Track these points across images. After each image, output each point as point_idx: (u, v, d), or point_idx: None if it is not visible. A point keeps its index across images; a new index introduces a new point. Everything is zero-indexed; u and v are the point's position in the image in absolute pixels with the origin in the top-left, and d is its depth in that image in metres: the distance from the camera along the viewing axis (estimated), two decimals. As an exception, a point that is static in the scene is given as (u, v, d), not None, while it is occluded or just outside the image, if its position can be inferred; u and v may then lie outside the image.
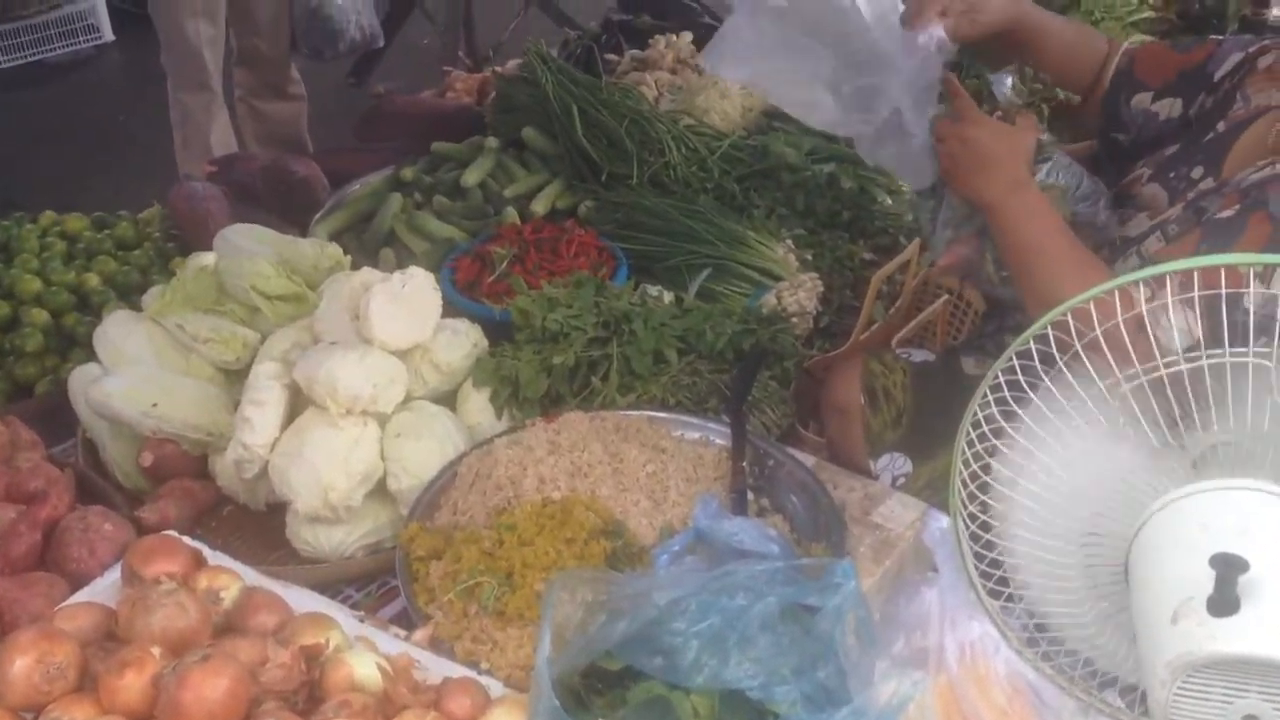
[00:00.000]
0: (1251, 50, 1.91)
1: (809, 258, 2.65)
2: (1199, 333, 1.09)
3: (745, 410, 2.09)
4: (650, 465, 1.93)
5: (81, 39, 5.69)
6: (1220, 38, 1.94)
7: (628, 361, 2.18)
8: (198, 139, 3.71)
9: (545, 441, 1.95)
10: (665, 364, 2.19)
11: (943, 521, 1.38)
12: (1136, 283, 1.07)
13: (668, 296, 2.47)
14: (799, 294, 2.53)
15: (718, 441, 2.03)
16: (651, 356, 2.19)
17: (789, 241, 2.67)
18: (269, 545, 2.07)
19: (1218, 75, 1.92)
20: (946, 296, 2.59)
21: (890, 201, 2.82)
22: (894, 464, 2.10)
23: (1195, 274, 1.06)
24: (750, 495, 1.93)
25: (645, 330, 2.21)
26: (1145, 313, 1.05)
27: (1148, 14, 3.05)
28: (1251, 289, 1.03)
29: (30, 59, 5.55)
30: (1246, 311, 1.09)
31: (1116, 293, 1.07)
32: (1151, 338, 1.06)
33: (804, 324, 2.52)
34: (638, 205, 2.76)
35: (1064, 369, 1.10)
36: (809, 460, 2.05)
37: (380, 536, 2.02)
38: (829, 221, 2.79)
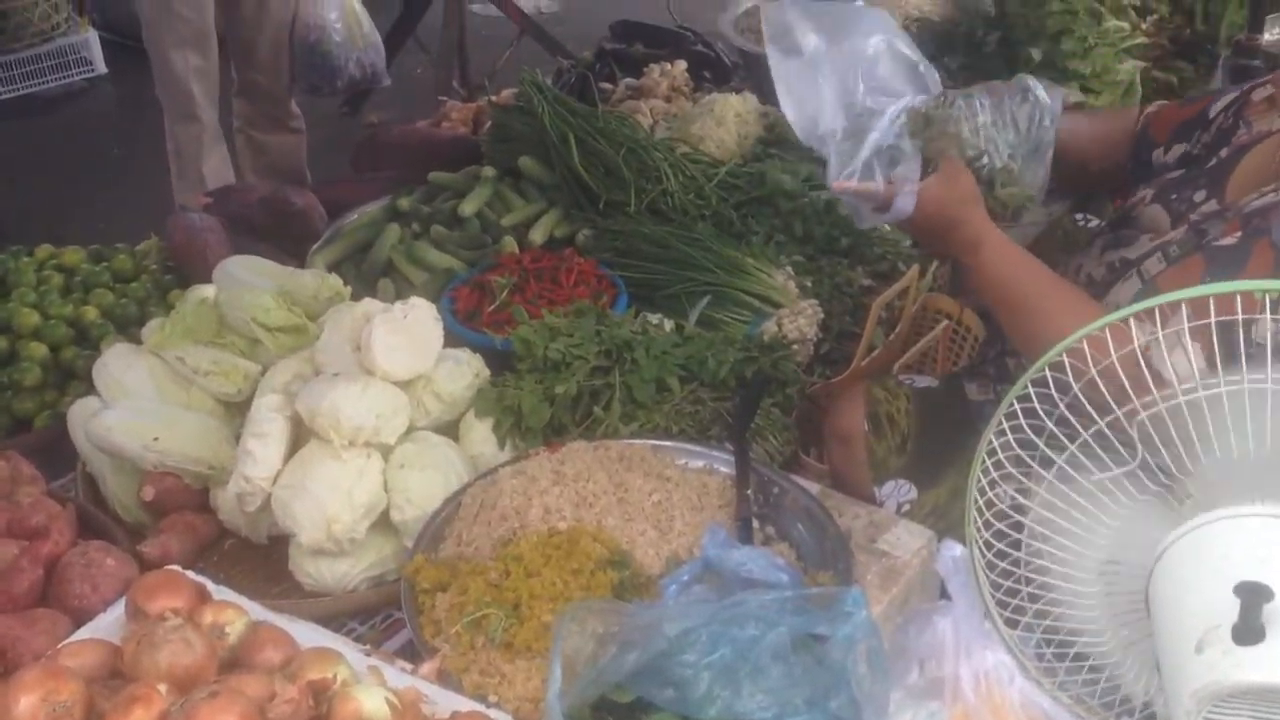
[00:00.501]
0: (1245, 88, 1.96)
1: (808, 284, 2.65)
2: (1201, 362, 1.09)
3: (748, 438, 2.09)
4: (655, 494, 1.93)
5: (74, 72, 5.69)
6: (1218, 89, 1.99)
7: (630, 390, 2.17)
8: (191, 169, 3.71)
9: (549, 471, 1.95)
10: (668, 392, 2.19)
11: (956, 550, 1.37)
12: (1151, 310, 1.07)
13: (668, 324, 2.47)
14: (799, 321, 2.53)
15: (722, 470, 2.03)
16: (654, 385, 2.18)
17: (788, 268, 2.67)
18: (271, 579, 2.05)
19: (1213, 113, 1.97)
20: (946, 322, 2.59)
21: (888, 228, 2.83)
22: (899, 490, 2.10)
23: (1211, 301, 1.06)
24: (755, 523, 1.92)
25: (647, 359, 2.21)
26: (1161, 340, 1.04)
27: (1140, 40, 3.07)
28: (1268, 315, 1.03)
29: (22, 92, 5.54)
30: (1259, 338, 1.09)
31: (1133, 320, 1.07)
32: (1168, 365, 1.06)
33: (805, 351, 2.51)
34: (636, 233, 2.76)
35: (1079, 396, 1.10)
36: (814, 488, 2.04)
37: (384, 569, 2.00)
38: (827, 248, 2.79)
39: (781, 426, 2.24)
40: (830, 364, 2.57)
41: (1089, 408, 1.10)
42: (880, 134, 1.91)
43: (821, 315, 2.56)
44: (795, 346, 2.46)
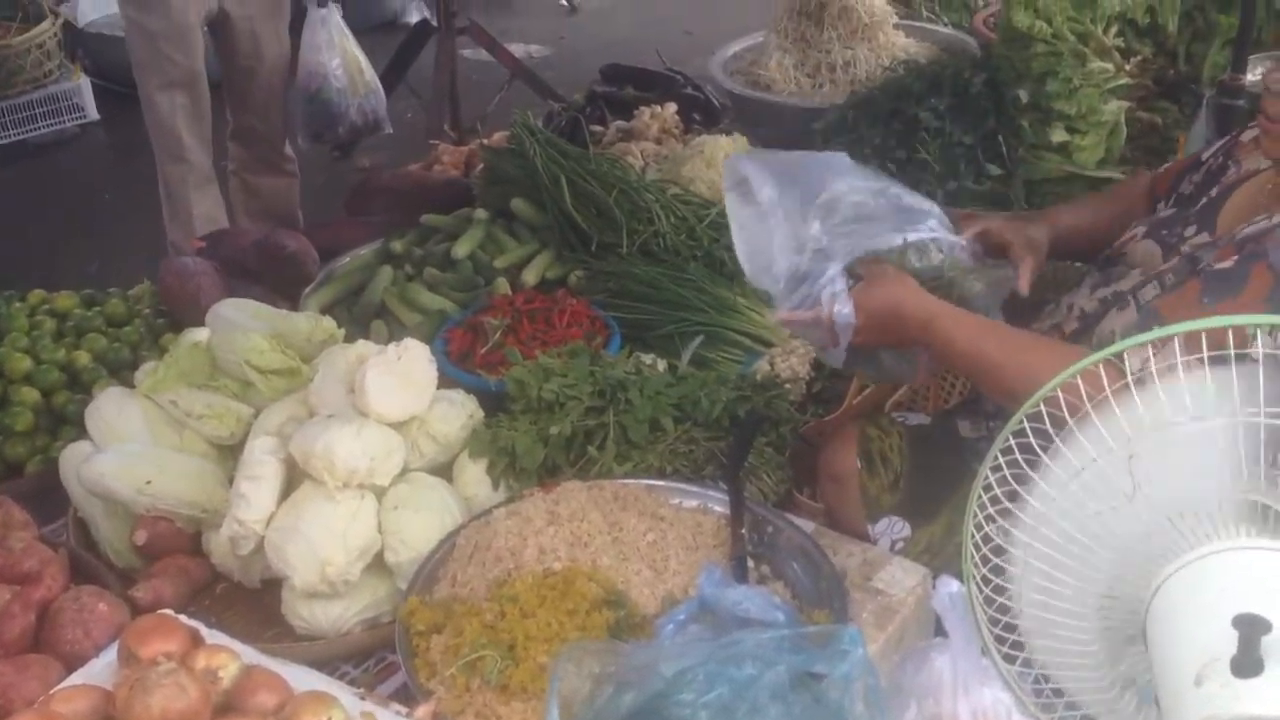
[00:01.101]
0: (1235, 133, 1.99)
1: (800, 323, 2.66)
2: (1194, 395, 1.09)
3: (742, 477, 2.09)
4: (650, 534, 1.92)
5: (67, 118, 5.71)
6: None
7: (624, 430, 2.17)
8: (181, 211, 3.72)
9: (544, 512, 1.94)
10: (662, 432, 2.19)
11: (952, 586, 1.37)
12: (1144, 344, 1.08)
13: (661, 364, 2.47)
14: (791, 359, 2.54)
15: (716, 509, 2.02)
16: (648, 425, 2.19)
17: (779, 308, 2.68)
18: (264, 622, 2.04)
19: (1204, 157, 2.00)
20: (938, 360, 2.60)
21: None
22: (892, 528, 2.10)
23: (1203, 335, 1.07)
24: (750, 562, 1.92)
25: (641, 399, 2.21)
26: (1154, 373, 1.05)
27: (1124, 81, 3.10)
28: (1260, 347, 1.04)
29: (15, 138, 5.56)
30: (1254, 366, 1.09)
31: (1128, 354, 1.08)
32: (1162, 399, 1.07)
33: (797, 390, 2.52)
34: (628, 274, 2.78)
35: (1075, 431, 1.10)
36: (808, 526, 2.04)
37: (378, 611, 1.99)
38: (819, 287, 2.80)
39: (775, 465, 2.24)
40: (823, 402, 2.58)
41: (1084, 442, 1.10)
42: (826, 276, 1.94)
43: (813, 354, 2.57)
44: (788, 385, 2.46)
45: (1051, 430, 1.12)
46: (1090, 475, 1.10)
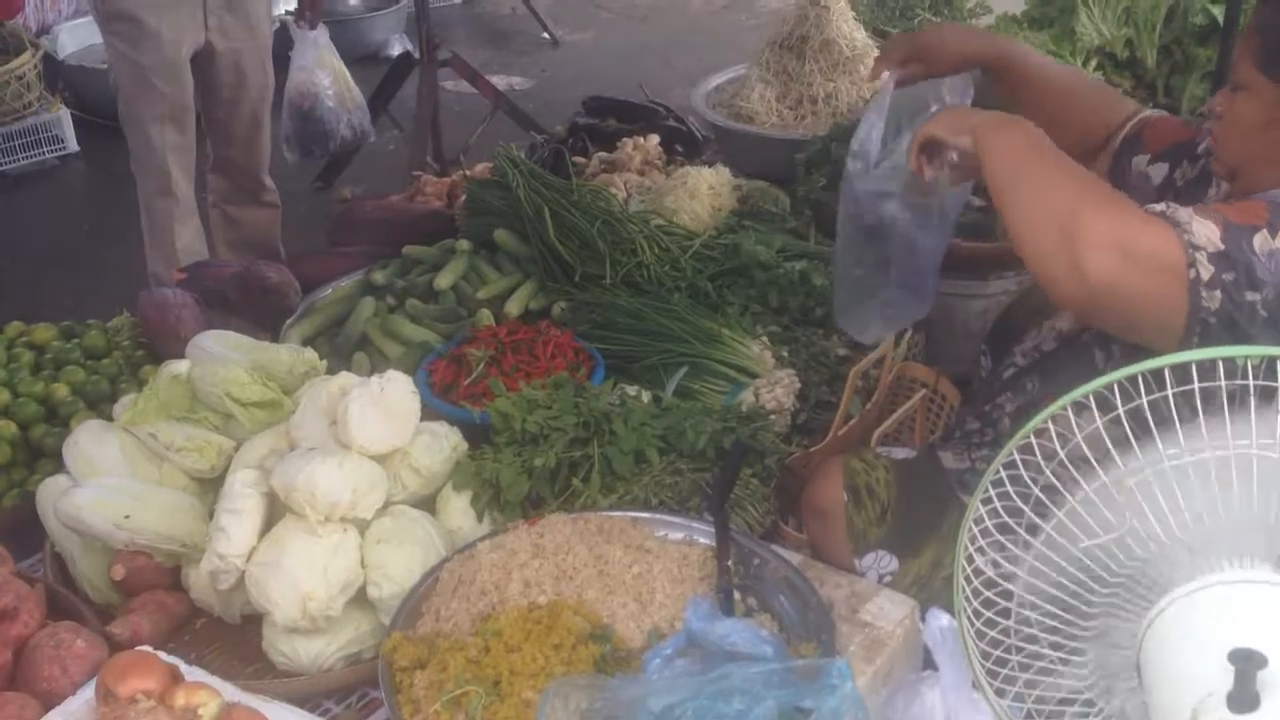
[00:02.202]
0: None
1: (784, 354, 2.66)
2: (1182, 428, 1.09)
3: (728, 509, 2.08)
4: (635, 567, 1.91)
5: (46, 149, 5.69)
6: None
7: (609, 462, 2.16)
8: (165, 243, 3.70)
9: (529, 545, 1.93)
10: (646, 464, 2.18)
11: (943, 619, 1.36)
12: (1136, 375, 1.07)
13: (645, 396, 2.46)
14: (776, 391, 2.53)
15: (702, 541, 2.01)
16: (633, 456, 2.18)
17: (764, 338, 2.68)
18: (244, 659, 2.02)
19: (1200, 148, 1.99)
20: (924, 391, 2.60)
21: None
22: (879, 562, 2.09)
23: (1193, 367, 1.07)
24: (737, 595, 1.90)
25: (626, 430, 2.20)
26: (1145, 405, 1.05)
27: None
28: (1250, 380, 1.04)
29: (-2, 170, 5.54)
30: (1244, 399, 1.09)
31: (1116, 386, 1.07)
32: (1153, 432, 1.06)
33: (782, 421, 2.51)
34: (612, 305, 2.77)
35: (1066, 463, 1.10)
36: (795, 558, 2.03)
37: (360, 646, 1.97)
38: (803, 318, 2.80)
39: (760, 497, 2.23)
40: (808, 433, 2.57)
41: (1075, 474, 1.10)
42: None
43: (799, 385, 2.56)
44: (773, 416, 2.46)
45: (1042, 462, 1.12)
46: (1082, 508, 1.09)
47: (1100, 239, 1.58)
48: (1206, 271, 1.56)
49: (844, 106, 3.77)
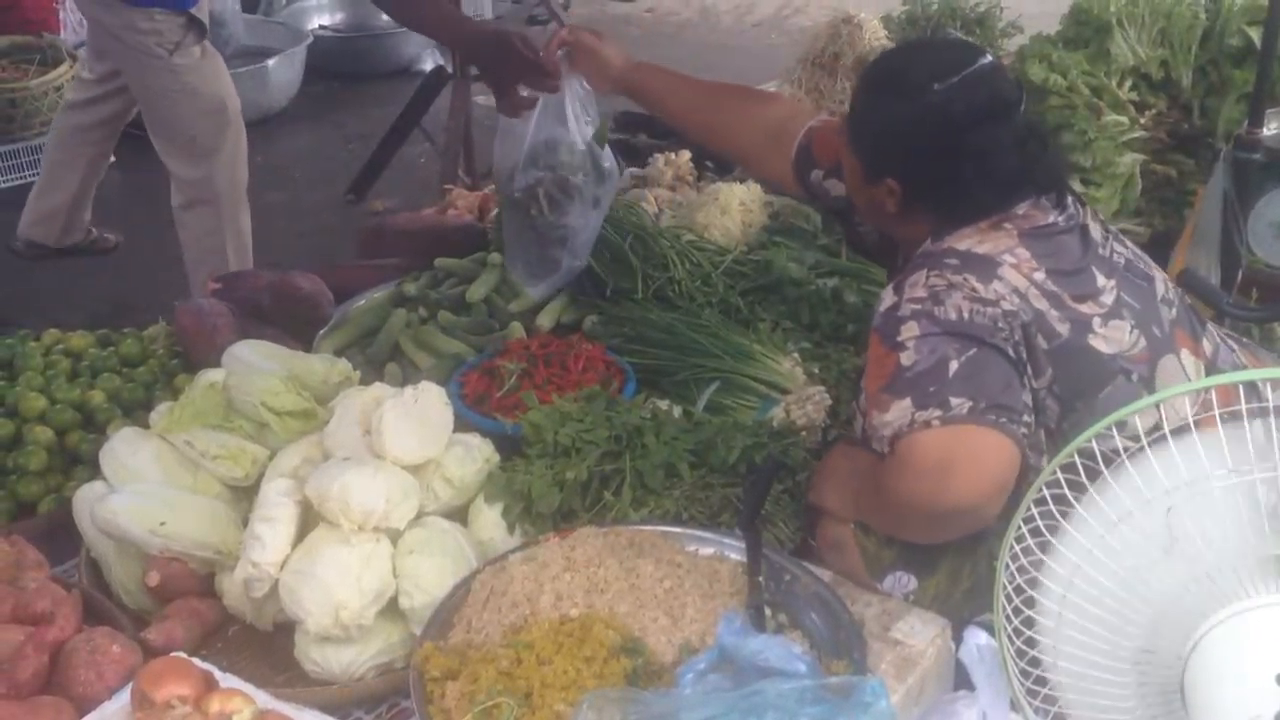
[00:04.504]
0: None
1: (815, 371, 2.66)
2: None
3: (759, 524, 2.07)
4: (667, 581, 1.91)
5: (81, 159, 5.75)
6: None
7: (640, 476, 2.16)
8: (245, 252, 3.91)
9: (560, 557, 1.93)
10: (678, 478, 2.18)
11: (980, 637, 1.35)
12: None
13: (676, 410, 2.46)
14: (807, 407, 2.53)
15: (732, 556, 2.01)
16: (664, 470, 2.18)
17: (795, 355, 2.68)
18: (276, 666, 2.02)
19: None
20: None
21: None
22: (899, 583, 2.07)
23: (1212, 393, 1.06)
24: (767, 611, 1.90)
25: (657, 444, 2.20)
26: (1191, 424, 1.04)
27: (1139, 134, 3.11)
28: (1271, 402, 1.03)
29: (29, 179, 5.60)
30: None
31: (1163, 406, 1.07)
32: (1199, 450, 1.06)
33: (812, 437, 2.51)
34: (644, 320, 2.77)
35: (1111, 482, 1.09)
36: (825, 574, 2.02)
37: (391, 656, 1.98)
38: (834, 335, 2.80)
39: (791, 513, 2.23)
40: (838, 450, 2.56)
41: (1120, 494, 1.09)
42: None
43: (829, 402, 2.56)
44: (804, 433, 2.45)
45: (1086, 481, 1.12)
46: (1126, 528, 1.09)
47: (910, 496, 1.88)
48: (924, 413, 1.82)
49: (875, 124, 3.76)
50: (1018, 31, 4.63)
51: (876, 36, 3.85)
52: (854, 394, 2.65)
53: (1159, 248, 3.10)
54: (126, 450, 2.22)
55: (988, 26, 4.63)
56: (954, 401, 1.79)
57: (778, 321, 2.80)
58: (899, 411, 1.85)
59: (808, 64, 3.89)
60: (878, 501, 1.96)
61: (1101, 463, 1.10)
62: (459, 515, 2.15)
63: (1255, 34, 3.30)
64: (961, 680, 1.84)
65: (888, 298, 1.99)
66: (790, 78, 3.91)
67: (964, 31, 4.56)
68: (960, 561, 2.00)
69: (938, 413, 1.79)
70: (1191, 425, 1.05)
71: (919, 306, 1.91)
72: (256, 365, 2.33)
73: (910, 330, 1.89)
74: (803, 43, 4.05)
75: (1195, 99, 3.32)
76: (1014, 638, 1.20)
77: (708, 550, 2.02)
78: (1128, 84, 3.23)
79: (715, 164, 4.12)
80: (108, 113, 4.62)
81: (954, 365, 1.83)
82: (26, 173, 5.61)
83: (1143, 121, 3.18)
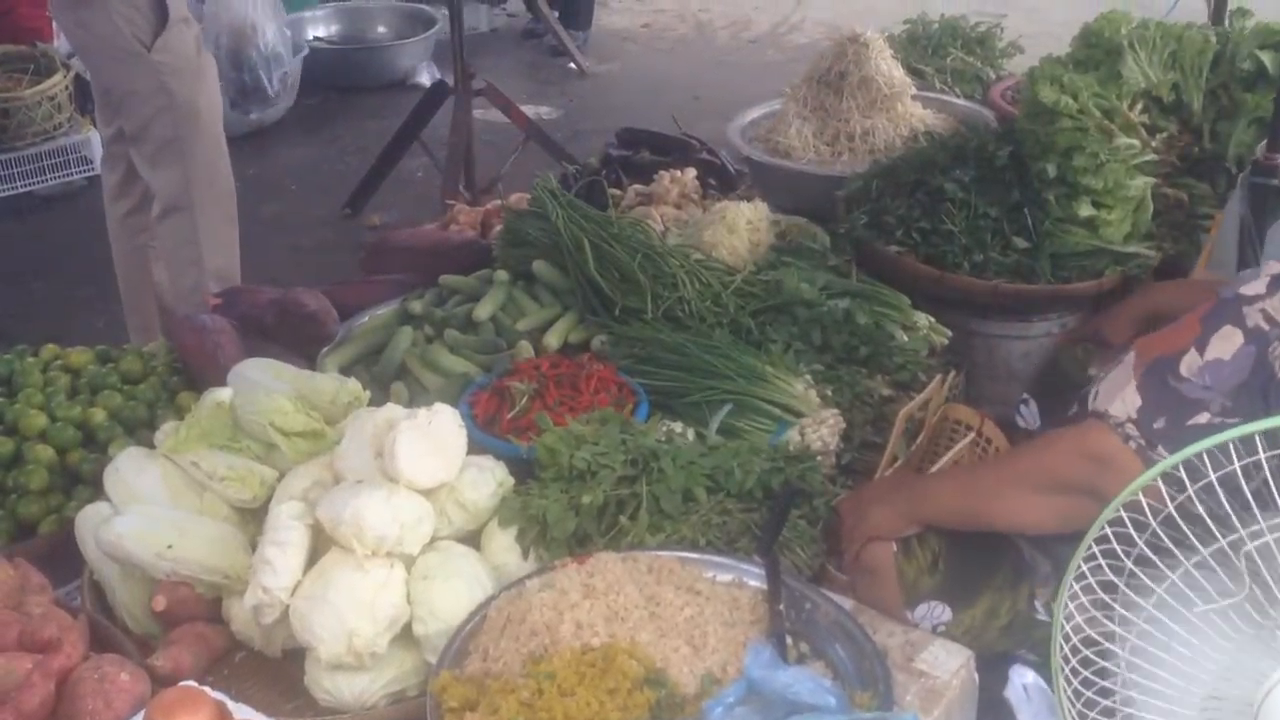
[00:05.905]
0: None
1: (828, 393, 2.63)
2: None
3: (777, 551, 2.04)
4: (688, 609, 1.87)
5: (74, 170, 5.71)
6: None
7: (657, 500, 2.13)
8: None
9: (579, 585, 1.89)
10: (694, 502, 2.14)
11: (1027, 676, 1.32)
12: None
13: (690, 433, 2.43)
14: (821, 430, 2.50)
15: (751, 583, 1.97)
16: (681, 495, 2.14)
17: (808, 377, 2.64)
18: (285, 694, 1.98)
19: None
20: (971, 435, 2.56)
21: (906, 338, 2.81)
22: (932, 613, 2.04)
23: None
24: (789, 640, 1.87)
25: (674, 468, 2.16)
26: (1267, 468, 1.01)
27: (1151, 157, 3.09)
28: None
29: (22, 190, 5.55)
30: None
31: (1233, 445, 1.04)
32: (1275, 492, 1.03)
33: (827, 461, 2.48)
34: (654, 340, 2.74)
35: (1180, 522, 1.06)
36: (846, 603, 1.99)
37: (404, 684, 1.94)
38: (846, 356, 2.76)
39: (809, 539, 2.19)
40: (853, 474, 2.53)
41: (1191, 536, 1.06)
42: None
43: (844, 425, 2.53)
44: (820, 457, 2.42)
45: (1151, 520, 1.08)
46: (1198, 571, 1.06)
47: (1058, 481, 1.80)
48: (1138, 438, 1.68)
49: (881, 144, 3.74)
50: (1018, 51, 4.62)
51: (883, 56, 3.83)
52: (867, 417, 2.63)
53: (1170, 272, 3.08)
54: (132, 471, 2.18)
55: (988, 46, 4.63)
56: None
57: (789, 343, 2.76)
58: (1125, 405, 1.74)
59: (814, 82, 3.86)
60: (1020, 464, 1.95)
61: (1168, 502, 1.07)
62: (472, 540, 2.11)
63: (1266, 58, 3.28)
64: (987, 714, 1.82)
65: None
66: (796, 96, 3.88)
67: (964, 51, 4.55)
68: (1000, 598, 1.97)
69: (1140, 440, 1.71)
70: (1267, 469, 1.02)
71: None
72: (264, 385, 2.28)
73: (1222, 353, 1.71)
74: (810, 60, 4.02)
75: (1206, 123, 3.30)
76: (1071, 678, 1.17)
77: (726, 577, 1.99)
78: (1139, 107, 3.21)
79: (719, 184, 4.10)
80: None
81: (1205, 417, 1.68)
82: (19, 183, 5.57)
83: (1154, 145, 3.15)
